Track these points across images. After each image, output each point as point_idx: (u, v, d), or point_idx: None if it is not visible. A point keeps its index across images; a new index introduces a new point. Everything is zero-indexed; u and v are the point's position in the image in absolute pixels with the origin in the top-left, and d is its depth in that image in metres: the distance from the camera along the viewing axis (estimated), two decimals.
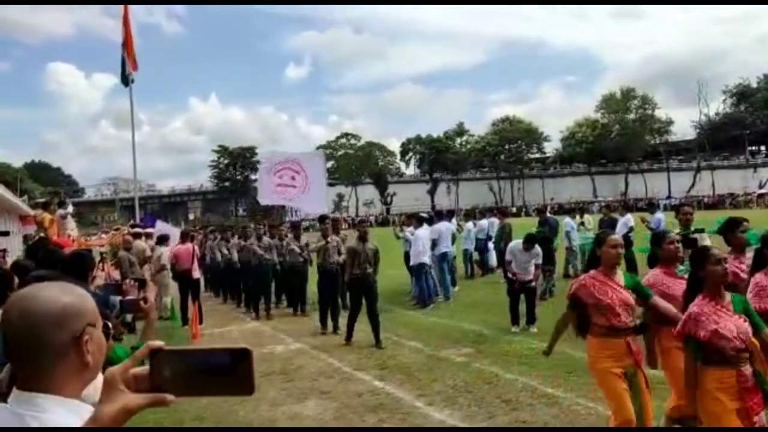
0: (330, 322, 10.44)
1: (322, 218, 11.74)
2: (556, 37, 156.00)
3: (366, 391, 6.82)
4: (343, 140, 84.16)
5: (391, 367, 7.78)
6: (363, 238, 9.50)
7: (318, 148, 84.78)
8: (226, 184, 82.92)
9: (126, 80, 16.86)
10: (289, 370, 8.00)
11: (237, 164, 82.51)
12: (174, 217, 62.26)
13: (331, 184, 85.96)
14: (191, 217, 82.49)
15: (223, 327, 11.76)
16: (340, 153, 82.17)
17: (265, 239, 13.07)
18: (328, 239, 10.64)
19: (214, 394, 1.20)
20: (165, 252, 12.32)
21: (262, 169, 14.21)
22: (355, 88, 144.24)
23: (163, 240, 12.76)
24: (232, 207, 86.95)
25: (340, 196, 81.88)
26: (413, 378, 7.25)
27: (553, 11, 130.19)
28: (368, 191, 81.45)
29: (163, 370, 1.20)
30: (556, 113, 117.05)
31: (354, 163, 79.82)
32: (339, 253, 10.49)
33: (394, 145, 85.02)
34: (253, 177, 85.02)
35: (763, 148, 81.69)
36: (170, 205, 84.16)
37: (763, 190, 64.48)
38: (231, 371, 1.18)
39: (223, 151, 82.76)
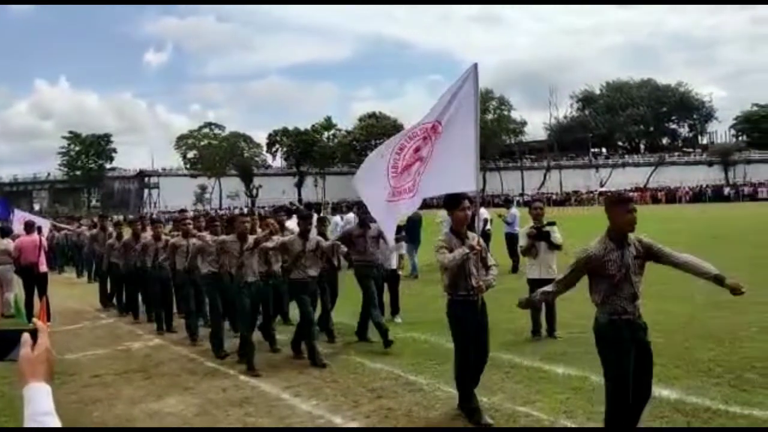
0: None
1: (455, 200, 5.53)
2: (420, 38, 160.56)
3: (231, 386, 6.70)
4: (206, 130, 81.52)
5: (256, 361, 7.69)
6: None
7: (179, 137, 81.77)
8: (78, 173, 77.49)
9: None
10: (148, 367, 7.68)
11: (90, 152, 77.59)
12: (17, 208, 57.18)
13: (193, 176, 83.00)
14: (37, 207, 76.21)
15: (73, 324, 11.01)
16: (202, 143, 79.49)
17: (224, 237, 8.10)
18: (474, 241, 5.41)
19: None
20: (9, 244, 11.51)
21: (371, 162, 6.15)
22: (219, 78, 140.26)
23: (6, 232, 11.93)
24: (84, 197, 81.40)
25: (203, 188, 79.26)
26: (279, 371, 7.23)
27: (418, 13, 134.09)
28: (233, 183, 79.50)
29: None
30: (420, 111, 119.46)
31: (218, 153, 77.46)
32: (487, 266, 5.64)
33: (261, 137, 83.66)
34: (108, 166, 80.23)
35: (604, 149, 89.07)
36: (12, 195, 76.95)
37: (603, 189, 70.43)
38: None
39: (74, 138, 77.37)
